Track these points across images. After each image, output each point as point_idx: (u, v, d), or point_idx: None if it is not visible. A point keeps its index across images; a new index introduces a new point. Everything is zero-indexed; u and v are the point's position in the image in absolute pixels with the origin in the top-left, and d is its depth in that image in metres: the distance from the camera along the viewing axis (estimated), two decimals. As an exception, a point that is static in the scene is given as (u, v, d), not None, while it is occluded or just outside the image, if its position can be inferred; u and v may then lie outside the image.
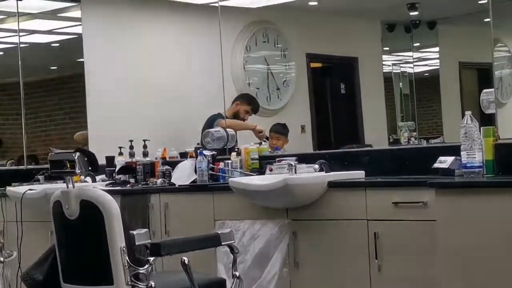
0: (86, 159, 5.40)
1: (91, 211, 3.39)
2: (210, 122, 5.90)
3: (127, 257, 3.36)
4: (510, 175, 4.10)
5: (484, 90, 4.57)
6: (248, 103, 6.25)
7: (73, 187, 3.52)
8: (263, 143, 5.69)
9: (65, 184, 3.57)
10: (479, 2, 4.98)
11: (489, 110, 4.49)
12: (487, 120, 4.47)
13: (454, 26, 5.83)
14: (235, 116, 6.13)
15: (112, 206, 3.38)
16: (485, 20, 4.68)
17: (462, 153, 4.15)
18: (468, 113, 4.15)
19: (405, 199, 4.20)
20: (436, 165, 4.35)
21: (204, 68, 6.62)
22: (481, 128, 4.18)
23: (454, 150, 4.30)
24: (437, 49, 5.99)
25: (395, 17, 6.00)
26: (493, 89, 4.55)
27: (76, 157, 4.78)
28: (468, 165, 4.12)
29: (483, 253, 3.80)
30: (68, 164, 3.69)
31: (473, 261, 3.82)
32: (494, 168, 4.17)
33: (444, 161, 4.31)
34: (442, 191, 3.93)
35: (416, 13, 5.89)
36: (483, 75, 5.53)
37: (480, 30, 5.18)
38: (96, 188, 3.87)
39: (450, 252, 3.88)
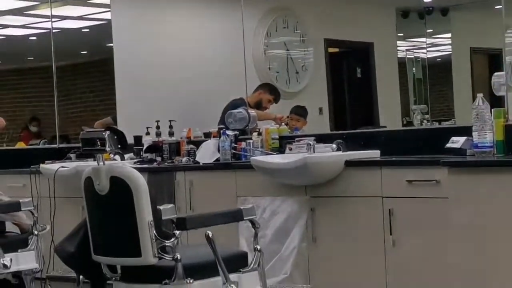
0: (116, 137, 5.41)
1: (120, 187, 3.39)
2: (232, 107, 5.86)
3: (154, 231, 3.36)
4: (520, 154, 4.09)
5: (495, 73, 4.54)
6: (271, 93, 6.23)
7: (104, 164, 3.52)
8: (282, 125, 5.69)
9: (95, 161, 3.57)
10: (491, -11, 4.94)
11: (500, 92, 4.47)
12: (497, 102, 4.44)
13: (466, 13, 5.78)
14: (258, 104, 6.10)
15: (140, 183, 3.38)
16: (496, 7, 4.66)
17: (473, 133, 4.13)
18: (479, 95, 4.14)
19: (419, 177, 4.19)
20: (448, 145, 4.34)
21: (227, 53, 6.60)
22: (492, 109, 4.16)
23: (465, 131, 4.30)
24: (449, 35, 5.94)
25: (409, 4, 5.96)
26: (504, 72, 4.53)
27: (106, 136, 4.79)
28: (479, 145, 4.10)
29: (493, 229, 3.79)
30: (99, 142, 3.68)
31: (484, 237, 3.81)
32: (505, 148, 4.15)
33: (457, 141, 4.29)
34: (454, 169, 3.91)
35: (429, 0, 5.85)
36: (494, 60, 5.50)
37: (491, 17, 5.14)
38: (126, 165, 3.89)
39: (462, 228, 3.87)
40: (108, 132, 5.01)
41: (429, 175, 4.13)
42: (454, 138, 4.33)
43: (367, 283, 4.41)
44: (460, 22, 5.81)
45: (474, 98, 4.22)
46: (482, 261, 3.82)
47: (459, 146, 4.27)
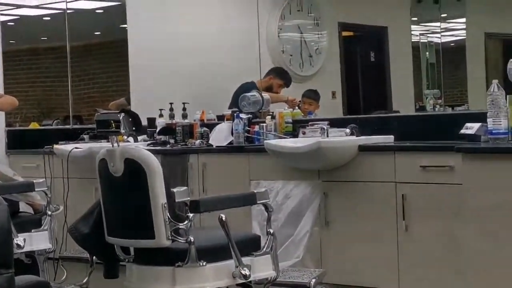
0: (130, 119, 5.42)
1: (135, 169, 3.39)
2: (244, 90, 5.84)
3: (168, 213, 3.36)
4: (534, 141, 4.06)
5: (511, 60, 4.51)
6: (281, 77, 6.21)
7: (118, 146, 3.51)
8: (295, 108, 5.68)
9: (108, 143, 3.57)
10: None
11: (515, 79, 4.44)
12: (511, 88, 4.41)
13: (482, -2, 5.76)
14: (268, 89, 6.07)
15: (154, 165, 3.38)
16: (513, -8, 4.62)
17: (488, 120, 4.11)
18: (495, 81, 4.12)
19: (433, 163, 4.18)
20: (462, 131, 4.31)
21: (240, 35, 6.58)
22: (507, 96, 4.14)
23: (478, 117, 4.28)
24: (463, 19, 5.92)
25: (424, -12, 5.95)
26: (519, 59, 4.50)
27: (121, 118, 4.82)
28: (494, 131, 4.08)
29: (507, 215, 3.78)
30: (113, 124, 3.69)
31: (497, 223, 3.81)
32: (520, 134, 4.13)
33: (471, 127, 4.27)
34: (469, 155, 3.91)
35: (445, -17, 5.83)
36: (508, 46, 5.48)
37: (507, 1, 5.11)
38: (140, 148, 3.88)
39: (476, 214, 3.87)
40: (123, 114, 5.05)
41: (443, 161, 4.12)
42: (468, 124, 4.31)
43: (379, 268, 4.41)
44: (475, 6, 5.79)
45: (488, 84, 4.21)
46: (495, 247, 3.81)
47: (473, 132, 4.24)
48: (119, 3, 6.86)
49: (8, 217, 2.21)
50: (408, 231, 4.28)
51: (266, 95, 5.51)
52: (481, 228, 3.85)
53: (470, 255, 3.89)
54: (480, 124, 4.22)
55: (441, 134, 4.49)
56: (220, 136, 5.27)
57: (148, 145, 5.53)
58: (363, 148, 4.48)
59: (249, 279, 3.40)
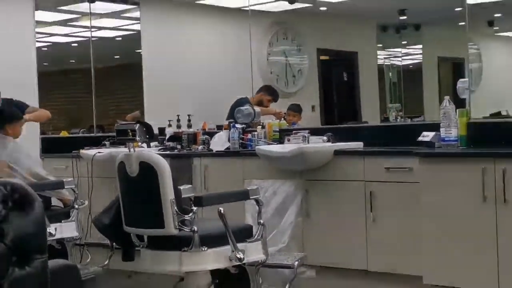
0: (144, 129, 5.40)
1: (148, 170, 3.38)
2: (239, 104, 5.83)
3: (175, 207, 3.35)
4: (479, 147, 4.07)
5: (460, 80, 4.53)
6: (270, 94, 6.19)
7: (134, 151, 3.50)
8: (281, 120, 5.68)
9: (126, 148, 3.56)
10: (456, 9, 4.91)
11: (463, 96, 4.46)
12: (460, 103, 4.42)
13: (435, 28, 5.77)
14: (259, 103, 6.05)
15: (164, 167, 3.37)
16: (460, 23, 4.61)
17: (441, 129, 4.13)
18: (446, 97, 4.15)
19: (395, 165, 4.17)
20: (420, 138, 4.32)
21: (236, 59, 6.58)
22: (457, 110, 4.15)
23: (433, 127, 4.28)
24: (420, 46, 5.95)
25: (388, 20, 5.96)
26: (467, 79, 4.51)
27: (136, 128, 4.81)
28: (446, 139, 4.10)
29: (456, 209, 3.80)
30: (130, 133, 3.68)
31: (448, 216, 3.82)
32: (467, 141, 4.14)
33: (427, 135, 4.28)
34: (425, 159, 3.91)
35: (404, 17, 5.85)
36: (457, 68, 5.51)
37: (456, 31, 5.13)
38: (152, 152, 3.87)
39: (431, 207, 3.87)
40: (138, 125, 5.03)
41: (404, 163, 4.11)
42: (424, 133, 4.31)
43: (351, 251, 4.39)
44: (430, 35, 5.82)
45: (440, 99, 4.23)
46: (447, 234, 3.83)
47: (429, 139, 4.25)
48: (135, 32, 6.85)
49: (43, 211, 2.19)
50: (375, 221, 4.27)
51: (257, 108, 5.50)
52: (435, 218, 3.86)
53: (426, 240, 3.90)
54: (434, 132, 4.23)
55: (402, 141, 4.47)
56: (219, 142, 5.26)
57: (159, 150, 5.51)
58: (337, 153, 4.47)
59: (243, 262, 3.40)
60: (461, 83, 4.46)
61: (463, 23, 4.53)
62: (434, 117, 4.61)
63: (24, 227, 2.12)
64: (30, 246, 2.14)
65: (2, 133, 5.05)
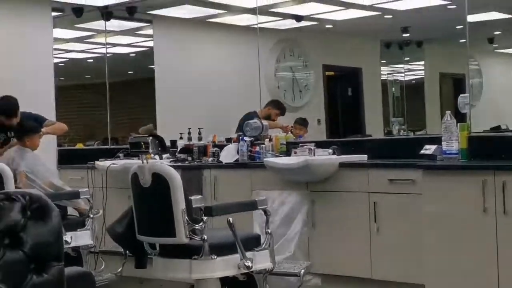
0: (157, 141, 5.40)
1: (160, 181, 3.39)
2: (247, 117, 5.83)
3: (186, 217, 3.35)
4: (480, 160, 4.06)
5: (461, 95, 4.52)
6: (278, 108, 6.17)
7: (147, 162, 3.51)
8: (288, 133, 5.68)
9: (140, 160, 3.56)
10: (456, 27, 4.91)
11: (464, 110, 4.45)
12: (461, 118, 4.41)
13: (437, 45, 5.77)
14: (267, 117, 6.04)
15: (176, 178, 3.37)
16: (461, 40, 4.61)
17: (443, 143, 4.11)
18: (448, 112, 4.14)
19: (398, 177, 4.17)
20: (422, 151, 4.30)
21: (244, 74, 6.58)
22: (458, 124, 4.14)
23: (434, 140, 4.27)
24: (422, 62, 5.94)
25: (391, 37, 5.96)
26: (468, 94, 4.51)
27: (149, 140, 4.81)
28: (447, 152, 4.08)
29: (458, 220, 3.79)
30: (143, 145, 3.68)
31: (449, 225, 3.81)
32: (468, 154, 4.12)
33: (429, 149, 4.26)
34: (427, 171, 3.90)
35: (407, 34, 5.85)
36: (458, 83, 5.49)
37: (457, 48, 5.13)
38: (164, 164, 3.87)
39: (432, 218, 3.86)
40: (151, 138, 5.03)
41: (407, 175, 4.11)
42: (427, 146, 4.30)
43: (355, 260, 4.38)
44: (432, 52, 5.81)
45: (442, 113, 4.21)
46: (448, 243, 3.81)
47: (431, 152, 4.24)
48: (148, 48, 6.88)
49: (60, 221, 2.20)
50: (378, 231, 4.26)
51: (265, 122, 5.50)
52: (437, 228, 3.85)
53: (428, 250, 3.88)
54: (436, 145, 4.22)
55: (405, 153, 4.46)
56: (228, 154, 5.25)
57: (170, 162, 5.51)
58: (342, 165, 4.46)
59: (251, 269, 3.39)
60: (462, 98, 4.46)
61: (464, 40, 4.53)
62: (435, 131, 4.60)
63: (42, 236, 2.13)
64: (48, 254, 2.14)
65: (21, 145, 5.08)
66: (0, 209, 2.09)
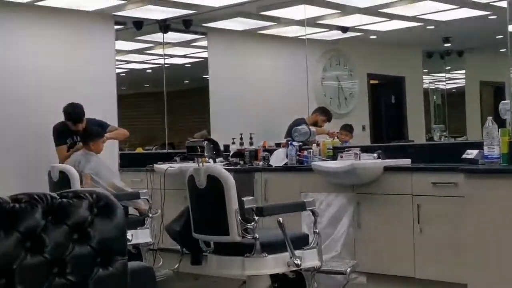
0: (212, 146, 5.44)
1: (215, 183, 3.40)
2: (296, 124, 5.82)
3: (239, 216, 3.36)
4: (520, 164, 3.97)
5: (502, 101, 4.42)
6: (324, 115, 6.14)
7: (203, 165, 3.53)
8: (335, 138, 5.65)
9: (195, 163, 3.59)
10: (497, 37, 4.82)
11: (505, 116, 4.35)
12: (502, 124, 4.32)
13: (477, 54, 5.68)
14: (314, 124, 6.02)
15: (230, 180, 3.39)
16: (501, 50, 4.53)
17: (484, 147, 4.03)
18: (489, 118, 4.05)
19: (441, 180, 4.11)
20: (464, 155, 4.23)
21: (293, 83, 6.56)
22: (500, 129, 4.06)
23: (474, 146, 4.20)
24: (463, 71, 5.86)
25: (433, 47, 5.88)
26: (509, 101, 4.41)
27: (205, 144, 4.85)
28: (489, 156, 4.00)
29: (499, 222, 3.70)
30: (199, 149, 3.71)
31: (491, 227, 3.73)
32: (508, 159, 4.03)
33: (471, 153, 4.19)
34: (469, 175, 3.83)
35: (448, 44, 5.77)
36: (498, 91, 5.39)
37: (498, 57, 5.04)
38: (219, 166, 3.89)
39: (474, 220, 3.78)
40: (206, 142, 5.07)
41: (449, 179, 4.05)
42: (468, 151, 4.22)
43: (400, 260, 4.34)
44: (472, 61, 5.73)
45: (482, 120, 4.13)
46: (490, 245, 3.73)
47: (473, 157, 4.16)
48: (202, 59, 6.94)
49: (124, 218, 2.24)
50: (422, 232, 4.21)
51: (313, 128, 5.48)
52: (478, 230, 3.77)
53: (471, 251, 3.81)
54: (478, 150, 4.14)
55: (446, 158, 4.40)
56: (278, 158, 5.26)
57: (224, 165, 5.54)
58: (387, 169, 4.42)
59: (300, 267, 3.38)
60: (503, 105, 4.37)
61: (504, 50, 4.44)
62: (475, 137, 4.52)
63: (107, 231, 2.16)
64: (113, 249, 2.17)
65: (86, 149, 5.17)
66: (69, 206, 2.14)
